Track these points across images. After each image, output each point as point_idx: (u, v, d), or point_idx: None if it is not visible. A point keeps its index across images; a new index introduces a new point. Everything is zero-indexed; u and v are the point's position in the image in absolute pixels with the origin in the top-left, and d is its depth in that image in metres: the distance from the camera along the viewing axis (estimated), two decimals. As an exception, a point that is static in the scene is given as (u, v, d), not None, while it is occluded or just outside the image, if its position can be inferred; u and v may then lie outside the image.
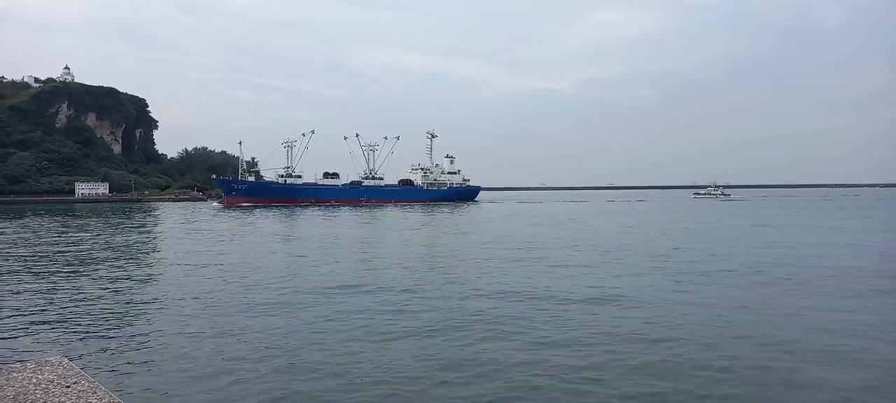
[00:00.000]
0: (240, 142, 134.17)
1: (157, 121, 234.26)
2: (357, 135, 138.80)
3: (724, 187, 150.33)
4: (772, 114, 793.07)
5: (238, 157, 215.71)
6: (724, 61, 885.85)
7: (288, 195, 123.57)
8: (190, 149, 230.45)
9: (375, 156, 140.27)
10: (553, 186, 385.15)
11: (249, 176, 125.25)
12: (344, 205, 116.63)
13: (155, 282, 22.72)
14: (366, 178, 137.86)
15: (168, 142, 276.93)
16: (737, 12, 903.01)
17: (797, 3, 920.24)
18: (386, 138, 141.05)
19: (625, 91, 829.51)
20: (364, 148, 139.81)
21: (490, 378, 11.19)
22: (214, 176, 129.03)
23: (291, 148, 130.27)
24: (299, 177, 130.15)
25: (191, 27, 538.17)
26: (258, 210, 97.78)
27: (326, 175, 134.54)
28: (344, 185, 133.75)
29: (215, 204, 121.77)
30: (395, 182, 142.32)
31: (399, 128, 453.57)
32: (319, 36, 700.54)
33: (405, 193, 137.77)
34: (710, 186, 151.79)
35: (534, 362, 12.04)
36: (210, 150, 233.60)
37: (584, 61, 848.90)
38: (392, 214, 79.67)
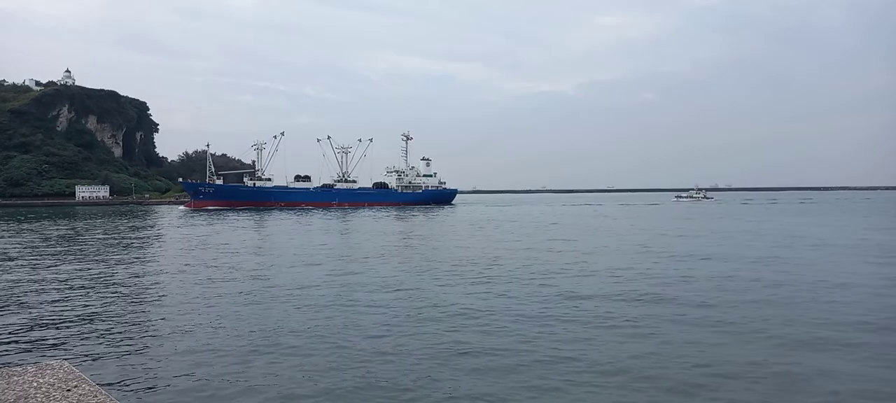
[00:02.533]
0: (208, 145, 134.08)
1: (157, 125, 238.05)
2: (328, 138, 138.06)
3: (708, 190, 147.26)
4: (774, 115, 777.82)
5: (239, 160, 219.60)
6: (725, 62, 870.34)
7: (257, 198, 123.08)
8: (190, 152, 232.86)
9: (348, 159, 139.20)
10: (554, 189, 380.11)
11: (218, 179, 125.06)
12: (315, 209, 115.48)
13: (154, 286, 23.01)
14: (338, 181, 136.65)
15: (170, 146, 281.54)
16: (738, 13, 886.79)
17: (798, 4, 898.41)
18: (360, 140, 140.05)
19: (626, 93, 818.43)
20: (337, 150, 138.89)
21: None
22: (181, 179, 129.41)
23: (261, 150, 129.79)
24: (269, 179, 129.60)
25: (193, 31, 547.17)
26: (222, 214, 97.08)
27: (298, 178, 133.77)
28: (315, 189, 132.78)
29: (182, 208, 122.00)
30: (370, 185, 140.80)
31: (399, 131, 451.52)
32: (321, 40, 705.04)
33: (379, 196, 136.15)
34: (692, 189, 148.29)
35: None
36: (211, 154, 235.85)
37: (585, 64, 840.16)
38: (362, 220, 76.98)
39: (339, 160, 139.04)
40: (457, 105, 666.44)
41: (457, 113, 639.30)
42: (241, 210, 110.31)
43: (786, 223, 62.56)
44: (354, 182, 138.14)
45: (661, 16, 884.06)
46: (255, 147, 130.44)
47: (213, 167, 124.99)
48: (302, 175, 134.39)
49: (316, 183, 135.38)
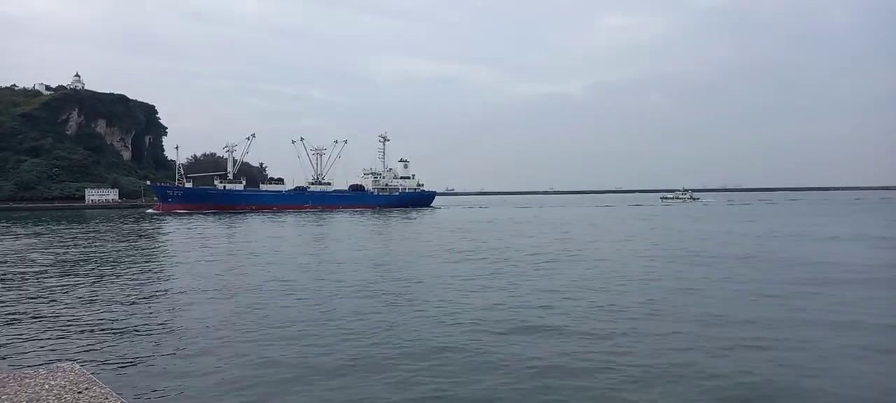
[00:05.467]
0: (177, 147, 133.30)
1: (166, 128, 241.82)
2: (302, 139, 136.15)
3: (693, 191, 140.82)
4: (780, 116, 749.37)
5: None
6: (732, 64, 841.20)
7: (227, 202, 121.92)
8: (199, 155, 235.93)
9: (322, 161, 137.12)
10: (561, 190, 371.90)
11: (188, 182, 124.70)
12: (288, 212, 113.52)
13: (165, 288, 23.34)
14: (313, 184, 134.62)
15: (181, 148, 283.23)
16: (746, 15, 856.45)
17: (807, 6, 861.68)
18: (336, 142, 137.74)
19: (633, 95, 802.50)
20: (311, 152, 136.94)
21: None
22: (149, 182, 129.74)
23: (232, 152, 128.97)
24: (240, 182, 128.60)
25: (200, 35, 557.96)
26: (186, 218, 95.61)
27: (271, 180, 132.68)
28: (288, 191, 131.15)
29: (150, 210, 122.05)
30: (346, 187, 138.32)
31: (401, 132, 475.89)
32: (328, 44, 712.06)
33: (354, 199, 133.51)
34: (679, 190, 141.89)
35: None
36: (220, 156, 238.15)
37: (592, 65, 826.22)
38: (335, 224, 74.95)
39: (314, 162, 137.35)
40: (462, 107, 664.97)
41: (461, 114, 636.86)
42: (209, 213, 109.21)
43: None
44: (329, 184, 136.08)
45: (668, 17, 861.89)
46: (226, 149, 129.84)
47: (182, 169, 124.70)
48: (275, 178, 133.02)
49: (290, 185, 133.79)
